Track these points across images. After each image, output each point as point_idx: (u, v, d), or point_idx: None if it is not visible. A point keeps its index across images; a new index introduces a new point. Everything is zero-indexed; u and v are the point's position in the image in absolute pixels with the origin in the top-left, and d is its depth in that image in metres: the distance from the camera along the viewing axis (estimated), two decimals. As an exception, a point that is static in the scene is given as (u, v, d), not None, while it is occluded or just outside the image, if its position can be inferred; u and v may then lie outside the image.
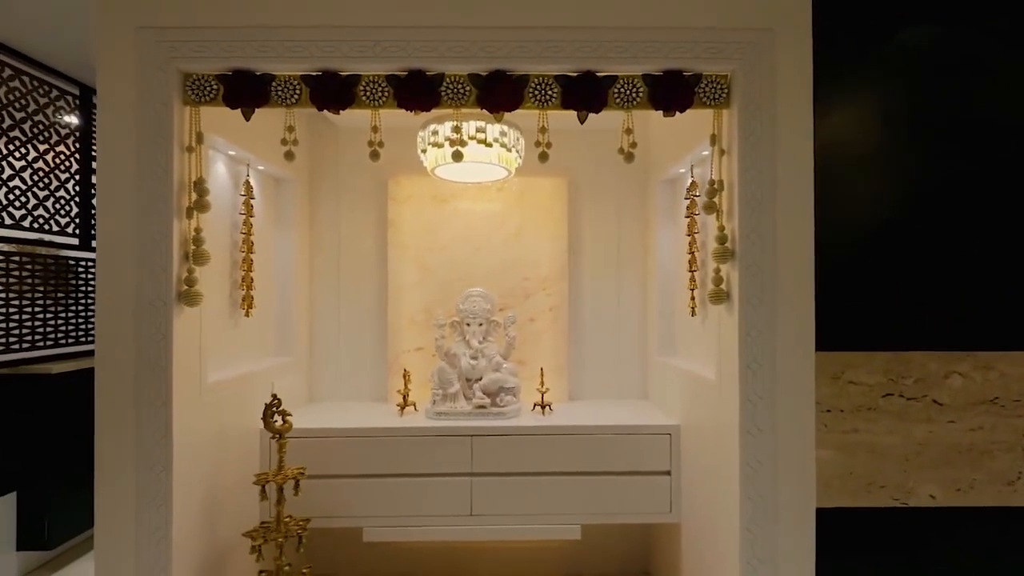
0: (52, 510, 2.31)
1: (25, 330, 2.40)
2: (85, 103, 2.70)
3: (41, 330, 2.48)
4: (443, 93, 1.43)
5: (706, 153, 1.59)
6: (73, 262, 2.67)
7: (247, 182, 1.83)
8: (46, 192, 2.53)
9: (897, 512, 1.44)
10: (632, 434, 1.86)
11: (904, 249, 1.45)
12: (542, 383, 2.01)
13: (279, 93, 1.43)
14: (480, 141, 1.68)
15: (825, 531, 1.39)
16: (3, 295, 2.29)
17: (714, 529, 1.57)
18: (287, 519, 1.65)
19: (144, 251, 1.36)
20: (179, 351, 1.40)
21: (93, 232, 2.72)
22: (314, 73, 1.41)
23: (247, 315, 1.84)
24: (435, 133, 1.73)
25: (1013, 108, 1.44)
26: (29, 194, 2.44)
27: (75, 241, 2.69)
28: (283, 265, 2.13)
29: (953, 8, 1.44)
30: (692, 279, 1.80)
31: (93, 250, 2.71)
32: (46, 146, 2.52)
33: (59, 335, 2.58)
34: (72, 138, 2.67)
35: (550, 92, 1.43)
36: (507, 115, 1.51)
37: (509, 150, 1.77)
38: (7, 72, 2.33)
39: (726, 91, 1.43)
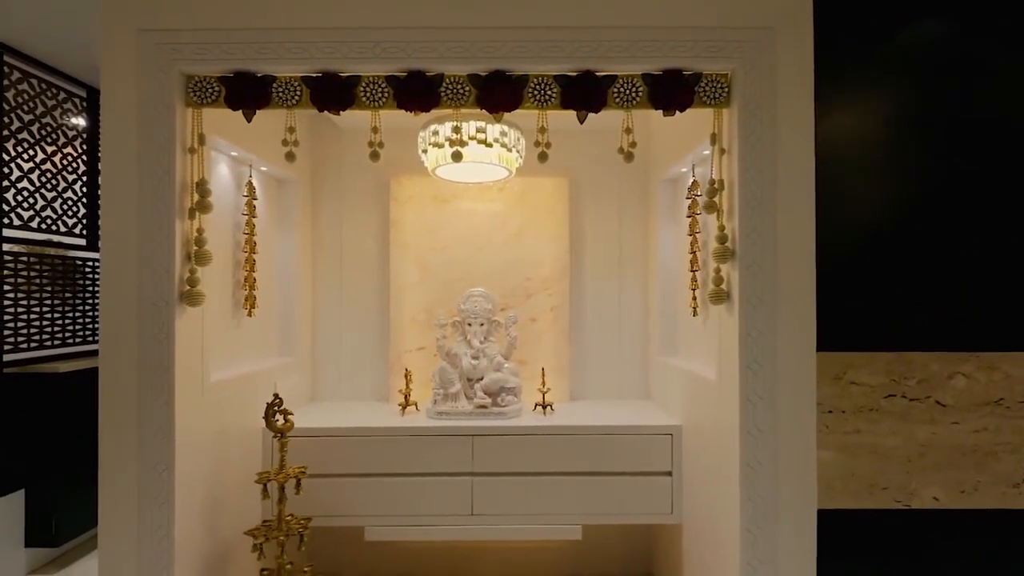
0: (59, 508, 2.34)
1: (33, 329, 2.43)
2: (92, 105, 2.73)
3: (49, 329, 2.51)
4: (443, 93, 1.43)
5: (707, 152, 1.59)
6: (80, 262, 2.71)
7: (250, 183, 1.85)
8: (54, 193, 2.56)
9: (900, 514, 1.43)
10: (633, 434, 1.86)
11: (906, 248, 1.43)
12: (543, 383, 2.01)
13: (280, 94, 1.44)
14: (480, 141, 1.68)
15: (827, 533, 1.38)
16: (12, 295, 2.32)
17: (715, 530, 1.56)
18: (289, 518, 1.66)
19: (146, 251, 1.38)
20: (181, 351, 1.41)
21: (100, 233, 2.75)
22: (314, 74, 1.42)
23: (250, 315, 1.85)
24: (435, 133, 1.74)
25: (1015, 107, 1.42)
26: (37, 195, 2.47)
27: (82, 242, 2.73)
28: (285, 265, 2.15)
29: (954, 7, 1.42)
30: (694, 279, 1.79)
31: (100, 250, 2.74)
32: (54, 148, 2.56)
33: (67, 334, 2.61)
34: (79, 140, 2.70)
35: (549, 92, 1.43)
36: (507, 115, 1.51)
37: (510, 150, 1.77)
38: (15, 75, 2.37)
39: (726, 90, 1.42)
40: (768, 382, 1.37)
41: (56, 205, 2.57)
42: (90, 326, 2.74)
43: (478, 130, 1.68)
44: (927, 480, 1.42)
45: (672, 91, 1.41)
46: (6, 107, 2.31)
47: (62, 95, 2.60)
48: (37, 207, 2.47)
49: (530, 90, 1.43)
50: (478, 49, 1.39)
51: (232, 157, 1.80)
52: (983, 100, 1.42)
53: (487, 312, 2.05)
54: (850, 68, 1.43)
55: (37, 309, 2.45)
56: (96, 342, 2.75)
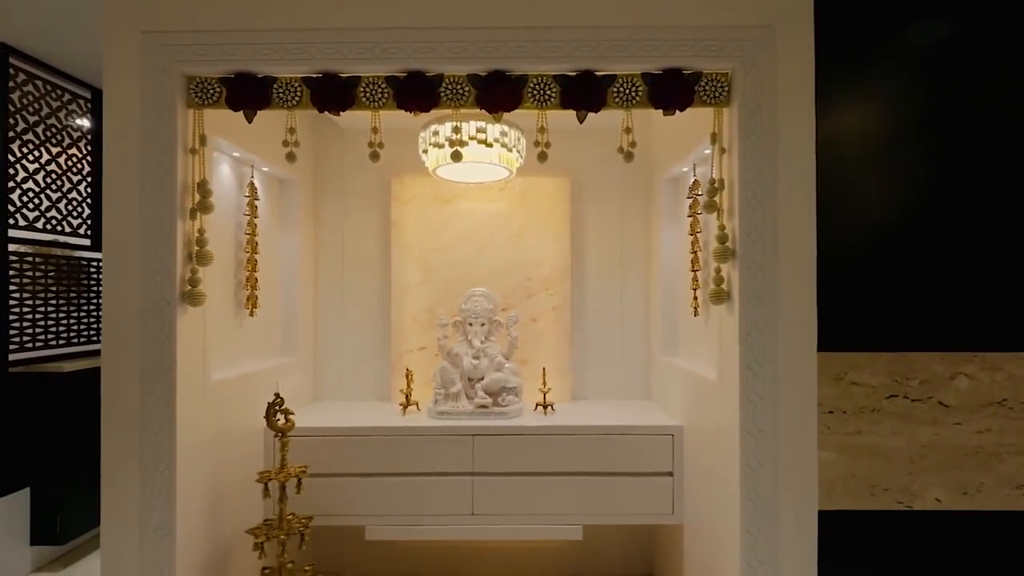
0: (64, 506, 2.36)
1: (38, 329, 2.45)
2: (97, 107, 2.75)
3: (54, 329, 2.53)
4: (442, 94, 1.43)
5: (708, 151, 1.58)
6: (85, 262, 2.73)
7: (251, 183, 1.85)
8: (59, 194, 2.58)
9: (901, 515, 1.42)
10: (634, 435, 1.85)
11: (908, 248, 1.42)
12: (544, 383, 2.01)
13: (281, 95, 1.44)
14: (481, 141, 1.69)
15: (827, 534, 1.38)
16: (17, 295, 2.34)
17: (715, 530, 1.56)
18: (290, 517, 1.67)
19: (148, 252, 1.39)
20: (183, 350, 1.42)
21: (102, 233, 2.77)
22: (315, 75, 1.43)
23: (251, 315, 1.86)
24: (436, 134, 1.74)
25: (1015, 107, 1.41)
26: (42, 196, 2.49)
27: (87, 242, 2.74)
28: (287, 265, 2.15)
29: (955, 7, 1.41)
30: (695, 279, 1.78)
31: (104, 251, 2.75)
32: (59, 149, 2.58)
33: (71, 334, 2.63)
34: (84, 141, 2.72)
35: (549, 92, 1.43)
36: (507, 115, 1.51)
37: (510, 150, 1.77)
38: (21, 76, 2.38)
39: (726, 89, 1.42)
40: (769, 382, 1.37)
41: (61, 206, 2.59)
42: (95, 326, 2.76)
43: (478, 130, 1.68)
44: (929, 481, 1.41)
45: (672, 90, 1.41)
46: (12, 108, 2.33)
47: (67, 96, 2.62)
48: (42, 208, 2.49)
49: (530, 90, 1.43)
50: (478, 49, 1.39)
51: (234, 158, 1.81)
52: (983, 100, 1.41)
53: (488, 312, 2.05)
54: (851, 66, 1.42)
55: (42, 309, 2.47)
56: (100, 342, 2.77)
